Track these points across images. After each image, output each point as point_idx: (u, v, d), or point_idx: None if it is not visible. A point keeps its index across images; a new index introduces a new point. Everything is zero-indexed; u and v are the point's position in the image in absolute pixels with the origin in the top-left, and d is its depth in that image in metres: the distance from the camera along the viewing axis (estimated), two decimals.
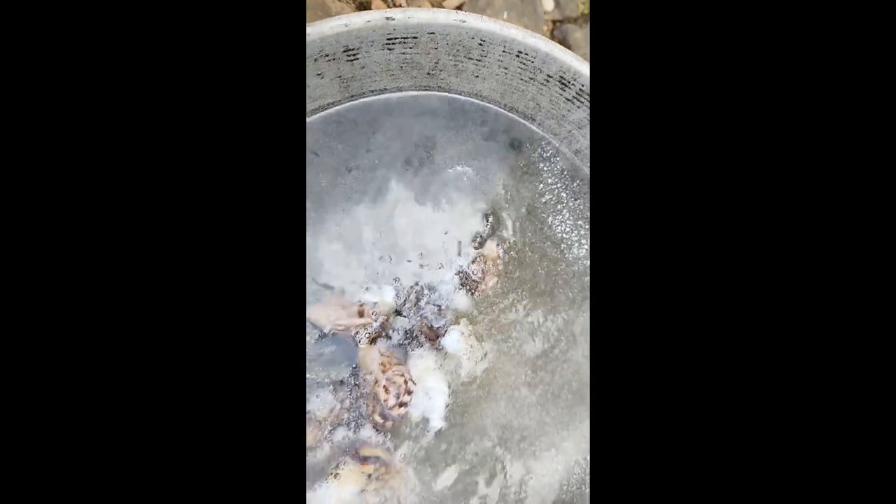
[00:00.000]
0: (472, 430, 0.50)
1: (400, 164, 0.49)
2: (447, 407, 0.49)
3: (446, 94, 0.51)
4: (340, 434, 0.46)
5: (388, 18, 0.42)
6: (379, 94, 0.48)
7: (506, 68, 0.48)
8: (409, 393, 0.47)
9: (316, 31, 0.40)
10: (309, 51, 0.41)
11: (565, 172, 0.54)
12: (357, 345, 0.47)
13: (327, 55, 0.42)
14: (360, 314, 0.46)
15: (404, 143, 0.49)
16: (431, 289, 0.49)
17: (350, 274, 0.46)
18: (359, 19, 0.41)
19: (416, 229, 0.48)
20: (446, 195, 0.50)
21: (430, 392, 0.48)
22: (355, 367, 0.47)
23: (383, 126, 0.49)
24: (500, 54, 0.47)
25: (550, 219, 0.54)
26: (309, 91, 0.44)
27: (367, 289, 0.47)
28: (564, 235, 0.54)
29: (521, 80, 0.49)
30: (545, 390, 0.52)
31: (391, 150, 0.48)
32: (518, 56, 0.46)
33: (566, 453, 0.51)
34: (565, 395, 0.52)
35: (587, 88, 0.46)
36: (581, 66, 0.45)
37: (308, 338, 0.46)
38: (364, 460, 0.46)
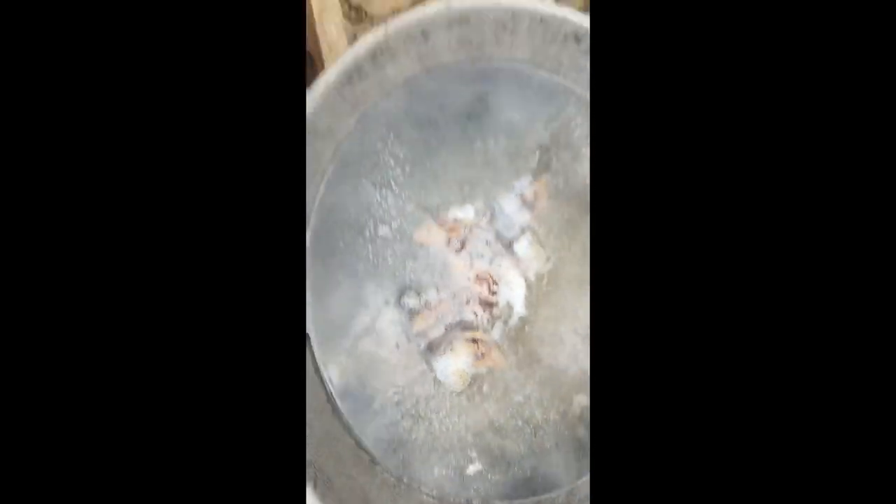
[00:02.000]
0: (544, 317, 0.63)
1: (462, 115, 0.64)
2: (526, 297, 0.63)
3: (490, 64, 0.67)
4: (449, 317, 0.60)
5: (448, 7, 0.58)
6: (445, 66, 0.64)
7: (532, 35, 0.64)
8: (496, 284, 0.61)
9: (401, 20, 0.56)
10: (396, 36, 0.57)
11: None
12: (452, 251, 0.61)
13: (408, 37, 0.58)
14: (452, 229, 0.61)
15: (465, 99, 0.64)
16: (500, 209, 0.64)
17: (442, 195, 0.61)
18: (429, 9, 0.57)
19: (485, 162, 0.63)
20: (501, 136, 0.65)
21: (511, 285, 0.62)
22: (449, 271, 0.61)
23: (447, 89, 0.64)
24: (527, 24, 0.62)
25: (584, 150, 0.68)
26: (397, 69, 0.60)
27: (453, 208, 0.61)
28: None
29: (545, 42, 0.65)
30: None
31: (456, 104, 0.64)
32: (541, 21, 0.62)
33: None
34: None
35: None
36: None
37: (417, 255, 0.60)
38: (471, 341, 0.59)
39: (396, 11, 0.83)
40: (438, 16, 0.58)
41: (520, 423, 0.60)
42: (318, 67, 0.71)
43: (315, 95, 0.52)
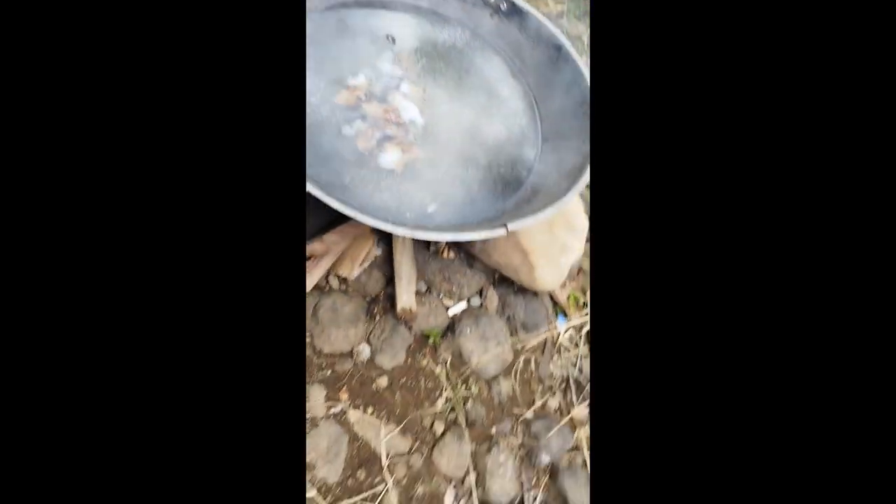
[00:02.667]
0: (436, 122, 0.97)
1: (335, 30, 1.00)
2: (420, 113, 0.96)
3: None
4: (378, 134, 0.92)
5: None
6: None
7: None
8: (397, 110, 0.94)
9: None
10: None
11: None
12: (364, 101, 0.94)
13: None
14: (356, 89, 0.95)
15: (331, 21, 1.00)
16: (381, 72, 0.98)
17: (341, 72, 0.95)
18: None
19: (360, 49, 0.98)
20: (366, 35, 1.01)
21: (407, 110, 0.96)
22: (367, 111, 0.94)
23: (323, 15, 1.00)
24: None
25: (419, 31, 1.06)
26: None
27: (350, 78, 0.96)
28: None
29: None
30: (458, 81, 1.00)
31: (328, 24, 1.00)
32: None
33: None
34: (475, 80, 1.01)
35: None
36: None
37: (343, 107, 0.93)
38: (396, 143, 0.92)
39: None
40: None
41: (448, 181, 0.92)
42: None
43: None
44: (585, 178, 0.82)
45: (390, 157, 0.88)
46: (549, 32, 1.02)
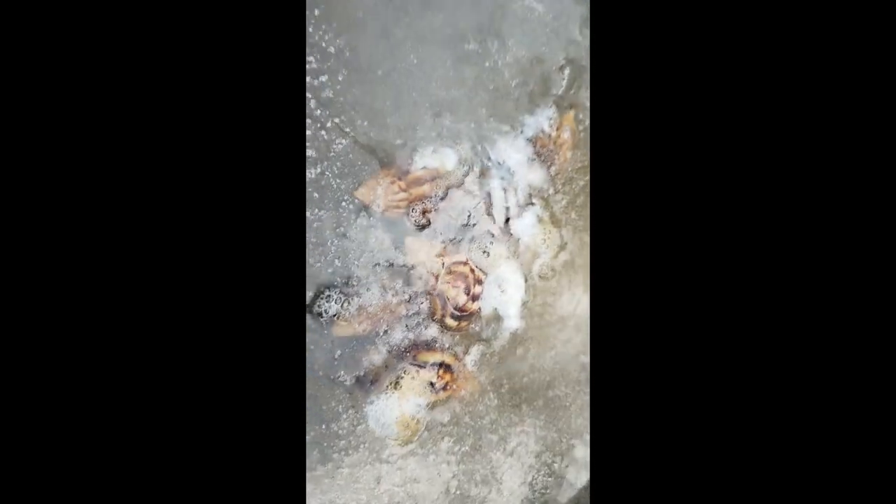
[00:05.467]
0: (548, 333, 0.40)
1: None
2: (524, 304, 0.40)
3: None
4: (399, 335, 0.36)
5: None
6: None
7: None
8: (480, 283, 0.37)
9: None
10: None
11: None
12: (415, 224, 0.36)
13: None
14: (416, 185, 0.36)
15: None
16: (497, 158, 0.39)
17: (403, 125, 0.36)
18: None
19: (478, 75, 0.38)
20: (512, 33, 0.39)
21: (503, 284, 0.39)
22: (405, 264, 0.37)
23: None
24: None
25: None
26: None
27: (421, 149, 0.36)
28: None
29: None
30: None
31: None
32: None
33: None
34: None
35: None
36: None
37: (352, 227, 0.36)
38: (421, 366, 0.37)
39: None
40: None
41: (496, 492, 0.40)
42: None
43: None
44: None
45: (397, 406, 0.35)
46: None
